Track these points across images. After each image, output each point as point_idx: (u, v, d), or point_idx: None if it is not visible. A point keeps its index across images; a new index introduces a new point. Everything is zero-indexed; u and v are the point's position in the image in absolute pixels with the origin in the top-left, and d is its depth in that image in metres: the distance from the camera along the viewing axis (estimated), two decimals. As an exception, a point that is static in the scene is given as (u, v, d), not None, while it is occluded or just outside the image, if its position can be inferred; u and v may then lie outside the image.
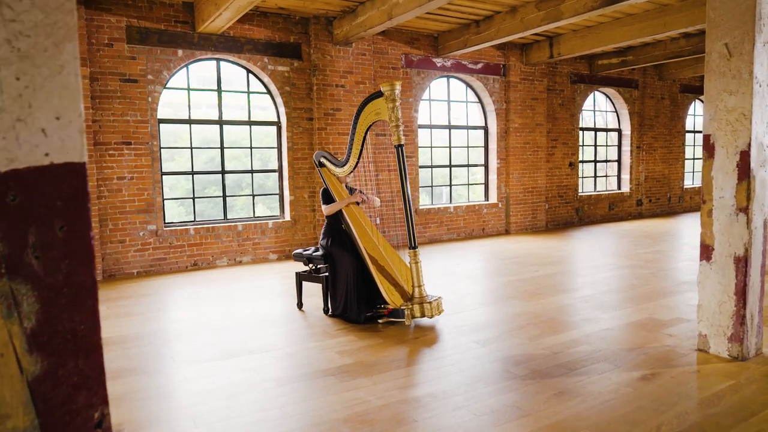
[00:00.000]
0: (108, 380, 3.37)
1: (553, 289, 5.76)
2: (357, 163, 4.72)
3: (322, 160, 5.01)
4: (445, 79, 9.75)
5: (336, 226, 4.95)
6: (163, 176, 7.34)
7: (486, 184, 10.42)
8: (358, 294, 4.70)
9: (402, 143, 4.43)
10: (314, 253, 5.04)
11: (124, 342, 4.29)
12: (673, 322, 4.51)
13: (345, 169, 4.81)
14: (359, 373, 3.54)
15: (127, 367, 3.73)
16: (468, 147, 10.20)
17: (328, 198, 4.94)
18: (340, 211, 4.87)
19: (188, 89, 7.49)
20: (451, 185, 10.08)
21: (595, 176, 12.35)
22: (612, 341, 4.06)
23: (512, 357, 3.78)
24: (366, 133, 4.60)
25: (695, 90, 13.60)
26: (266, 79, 7.89)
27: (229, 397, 3.22)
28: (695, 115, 14.31)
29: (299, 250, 5.21)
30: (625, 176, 12.59)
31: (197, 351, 4.08)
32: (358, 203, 5.01)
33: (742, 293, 3.51)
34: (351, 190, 5.17)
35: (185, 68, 7.39)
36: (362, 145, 4.62)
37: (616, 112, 12.48)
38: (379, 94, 4.43)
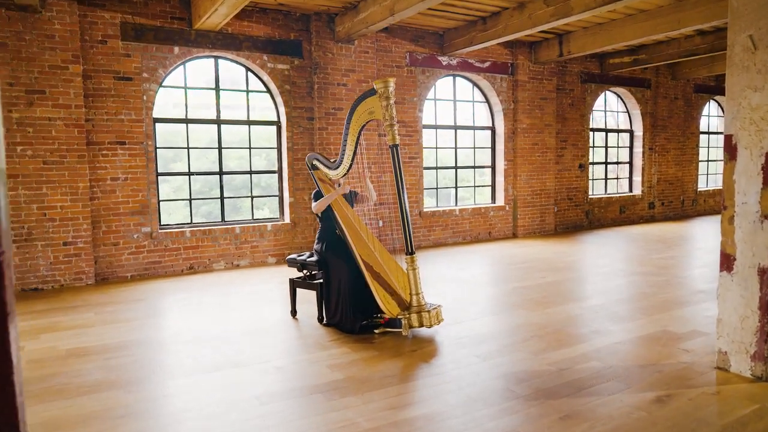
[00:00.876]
0: (81, 395, 3.12)
1: (561, 298, 5.47)
2: (351, 165, 4.48)
3: (315, 162, 4.78)
4: (451, 77, 9.49)
5: (330, 231, 4.71)
6: (159, 177, 7.14)
7: (493, 186, 10.13)
8: (353, 302, 4.45)
9: (397, 143, 4.18)
10: (308, 259, 4.80)
11: (105, 352, 4.07)
12: (689, 335, 4.21)
13: (338, 171, 4.57)
14: (349, 391, 3.29)
15: (104, 381, 3.50)
16: (474, 148, 9.93)
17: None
18: (334, 215, 4.62)
19: (185, 88, 7.29)
20: (456, 187, 9.80)
21: (606, 178, 12.02)
22: (624, 357, 3.78)
23: (515, 374, 3.52)
24: (360, 133, 4.37)
25: (710, 90, 13.21)
26: (266, 78, 7.68)
27: (207, 417, 2.98)
28: (709, 116, 13.93)
29: (293, 256, 4.97)
30: (637, 178, 12.25)
31: (181, 363, 3.85)
32: (350, 200, 4.79)
33: (767, 308, 3.22)
34: (348, 193, 4.93)
35: (182, 66, 7.19)
36: (356, 146, 4.39)
37: (627, 112, 12.14)
38: (372, 92, 4.19)
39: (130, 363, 3.84)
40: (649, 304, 5.16)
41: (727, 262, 3.39)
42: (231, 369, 3.68)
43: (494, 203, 10.07)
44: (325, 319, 4.69)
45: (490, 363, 3.70)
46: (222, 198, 7.63)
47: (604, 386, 3.28)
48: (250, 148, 7.84)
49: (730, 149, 3.32)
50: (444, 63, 9.03)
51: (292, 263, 4.92)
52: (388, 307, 4.33)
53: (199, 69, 7.54)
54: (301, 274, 4.92)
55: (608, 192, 12.04)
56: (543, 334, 4.30)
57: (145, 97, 6.81)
